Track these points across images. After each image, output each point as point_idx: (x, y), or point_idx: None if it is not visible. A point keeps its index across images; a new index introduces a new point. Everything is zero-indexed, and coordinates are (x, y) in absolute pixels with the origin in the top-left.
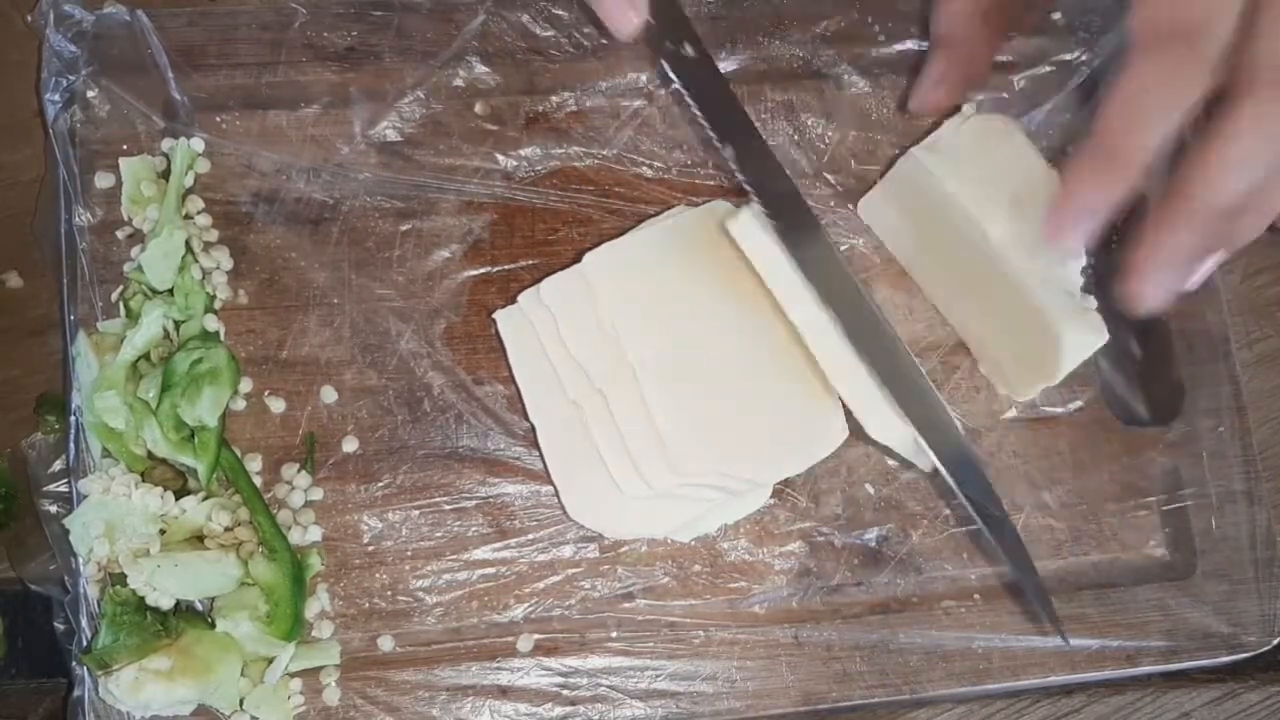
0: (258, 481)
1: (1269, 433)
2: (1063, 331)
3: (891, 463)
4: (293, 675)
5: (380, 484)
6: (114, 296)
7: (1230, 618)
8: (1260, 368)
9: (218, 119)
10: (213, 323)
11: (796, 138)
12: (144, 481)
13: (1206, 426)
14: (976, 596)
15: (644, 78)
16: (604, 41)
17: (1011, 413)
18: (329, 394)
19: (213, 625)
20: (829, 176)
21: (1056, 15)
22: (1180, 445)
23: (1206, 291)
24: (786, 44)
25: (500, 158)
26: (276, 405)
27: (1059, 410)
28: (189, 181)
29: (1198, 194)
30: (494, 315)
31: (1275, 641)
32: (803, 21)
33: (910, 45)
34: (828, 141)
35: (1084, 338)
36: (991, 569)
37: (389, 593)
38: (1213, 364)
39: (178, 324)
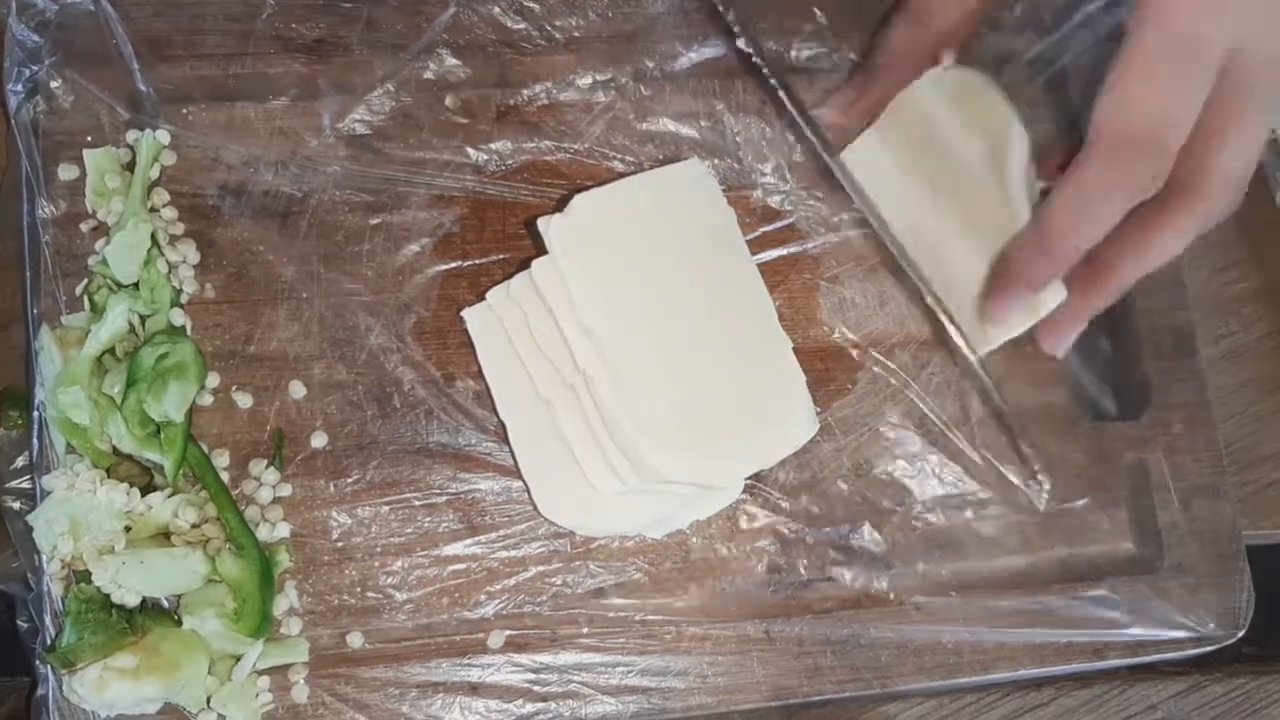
0: (225, 477)
1: (1234, 428)
2: None
3: (864, 458)
4: (261, 673)
5: (350, 480)
6: (78, 290)
7: (1196, 611)
8: (1226, 364)
9: (184, 111)
10: (179, 317)
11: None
12: (109, 478)
13: (1173, 422)
14: (951, 590)
15: (616, 72)
16: (576, 34)
17: (981, 410)
18: (297, 389)
19: (179, 623)
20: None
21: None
22: (1147, 440)
23: (1173, 289)
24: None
25: (471, 151)
26: (244, 400)
27: (1028, 405)
28: (154, 174)
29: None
30: (462, 313)
31: (1240, 635)
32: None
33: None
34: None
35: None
36: (963, 563)
37: (358, 589)
38: (1180, 360)
39: (143, 318)
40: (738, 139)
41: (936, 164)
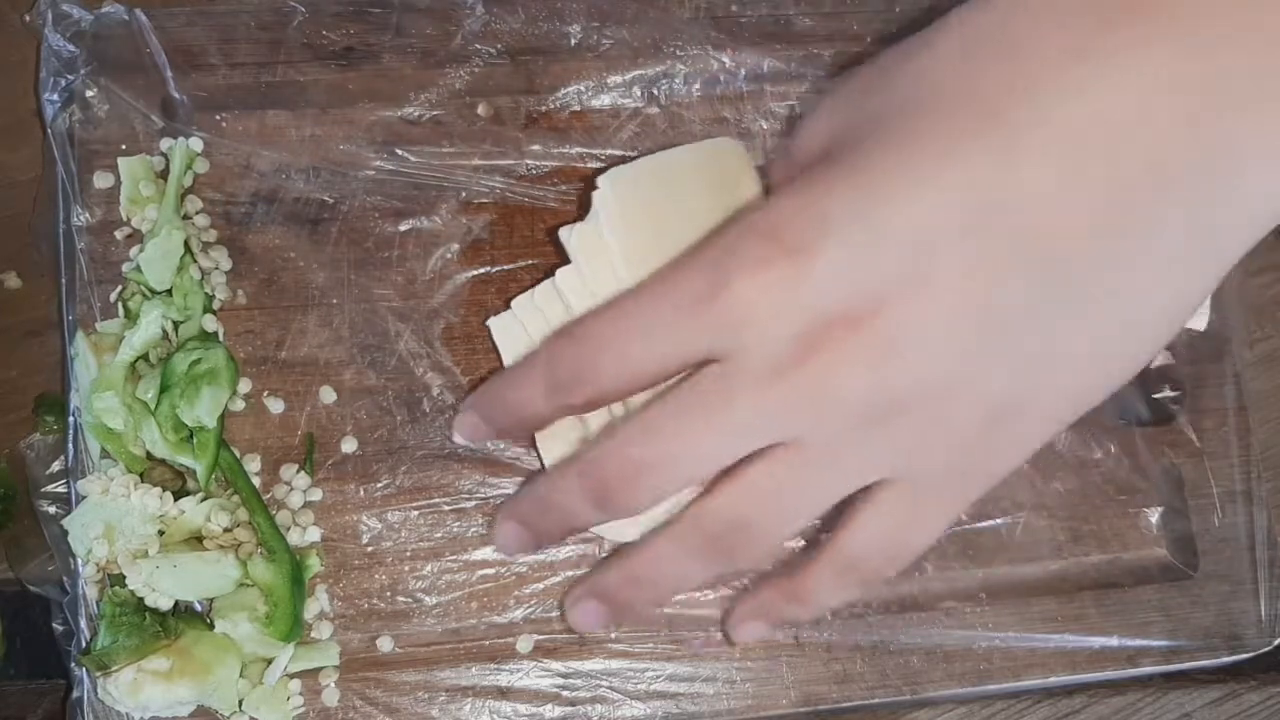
0: (256, 482)
1: (1270, 433)
2: None
3: None
4: (292, 676)
5: (379, 484)
6: (112, 297)
7: (1231, 618)
8: (1261, 368)
9: (217, 118)
10: (211, 323)
11: None
12: (143, 482)
13: (1207, 426)
14: (982, 595)
15: (645, 78)
16: (605, 41)
17: None
18: (328, 394)
19: (212, 626)
20: None
21: None
22: (1180, 445)
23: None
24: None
25: (500, 158)
26: (275, 406)
27: None
28: (188, 181)
29: None
30: (487, 322)
31: (1276, 642)
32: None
33: None
34: None
35: None
36: (994, 569)
37: (388, 593)
38: (1213, 363)
39: (176, 324)
40: (768, 146)
41: None
